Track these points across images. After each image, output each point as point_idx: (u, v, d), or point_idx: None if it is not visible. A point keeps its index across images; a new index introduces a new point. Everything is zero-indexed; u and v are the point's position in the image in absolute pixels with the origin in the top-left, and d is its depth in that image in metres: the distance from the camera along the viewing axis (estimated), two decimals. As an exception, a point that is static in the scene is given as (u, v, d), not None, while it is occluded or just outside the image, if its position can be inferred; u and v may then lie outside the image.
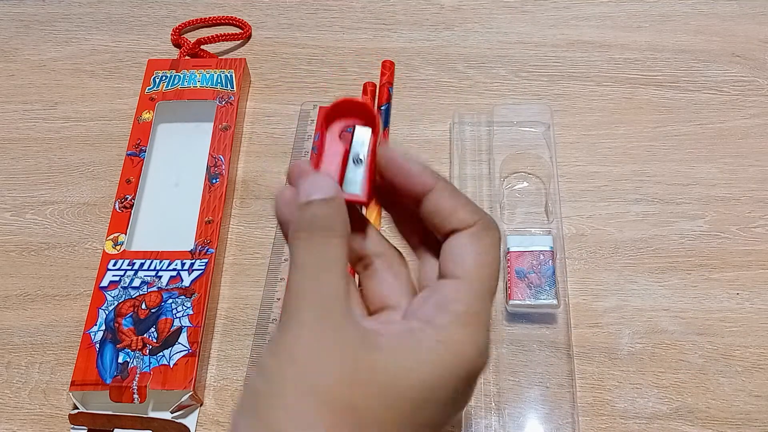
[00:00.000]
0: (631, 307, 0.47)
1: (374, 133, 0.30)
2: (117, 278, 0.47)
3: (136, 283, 0.47)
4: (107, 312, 0.45)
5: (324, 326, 0.25)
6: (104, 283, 0.47)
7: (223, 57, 0.60)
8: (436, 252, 0.30)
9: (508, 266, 0.46)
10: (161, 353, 0.44)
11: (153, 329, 0.45)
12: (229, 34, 0.60)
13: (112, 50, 0.61)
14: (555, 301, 0.45)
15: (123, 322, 0.45)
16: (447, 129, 0.55)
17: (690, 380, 0.44)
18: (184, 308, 0.45)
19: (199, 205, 0.50)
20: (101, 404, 0.43)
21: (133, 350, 0.44)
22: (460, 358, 0.26)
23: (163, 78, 0.56)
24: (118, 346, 0.44)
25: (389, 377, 0.25)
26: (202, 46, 0.59)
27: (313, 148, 0.54)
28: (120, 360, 0.43)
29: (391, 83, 0.57)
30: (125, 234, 0.49)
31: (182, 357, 0.44)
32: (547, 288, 0.45)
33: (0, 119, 0.58)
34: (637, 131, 0.55)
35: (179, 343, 0.44)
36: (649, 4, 0.62)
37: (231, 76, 0.56)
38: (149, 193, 0.52)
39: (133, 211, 0.50)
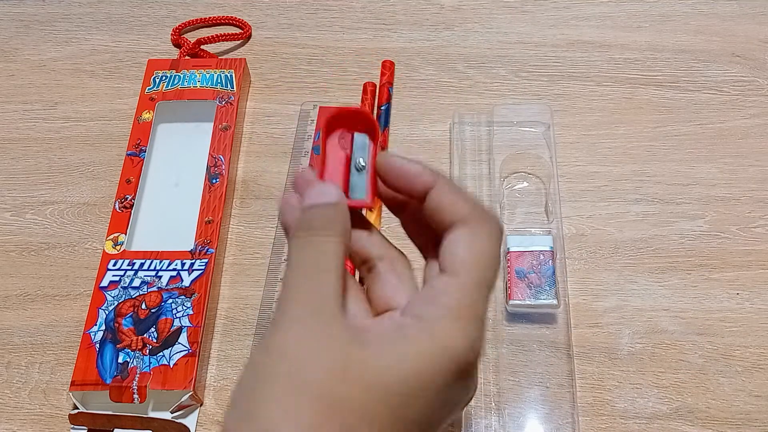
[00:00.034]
0: (631, 307, 0.47)
1: (374, 139, 0.31)
2: (117, 278, 0.47)
3: (136, 283, 0.47)
4: (107, 312, 0.45)
5: (314, 323, 0.26)
6: (104, 283, 0.47)
7: (223, 57, 0.60)
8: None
9: (508, 266, 0.46)
10: (161, 353, 0.44)
11: (153, 329, 0.45)
12: (229, 34, 0.60)
13: (112, 50, 0.61)
14: (555, 301, 0.45)
15: (123, 322, 0.45)
16: (447, 129, 0.55)
17: (690, 380, 0.44)
18: (184, 308, 0.45)
19: (199, 205, 0.50)
20: (101, 404, 0.43)
21: (133, 350, 0.44)
22: (448, 351, 0.26)
23: (163, 78, 0.56)
24: (118, 346, 0.44)
25: (377, 371, 0.25)
26: (202, 46, 0.59)
27: (313, 148, 0.54)
28: (120, 360, 0.43)
29: (391, 83, 0.57)
30: (125, 234, 0.49)
31: (182, 357, 0.44)
32: (547, 288, 0.45)
33: (0, 119, 0.58)
34: (637, 131, 0.55)
35: (179, 343, 0.44)
36: (649, 4, 0.62)
37: (231, 76, 0.56)
38: (149, 193, 0.52)
39: (133, 211, 0.50)
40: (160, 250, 0.48)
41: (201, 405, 0.44)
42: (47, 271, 0.50)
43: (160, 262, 0.47)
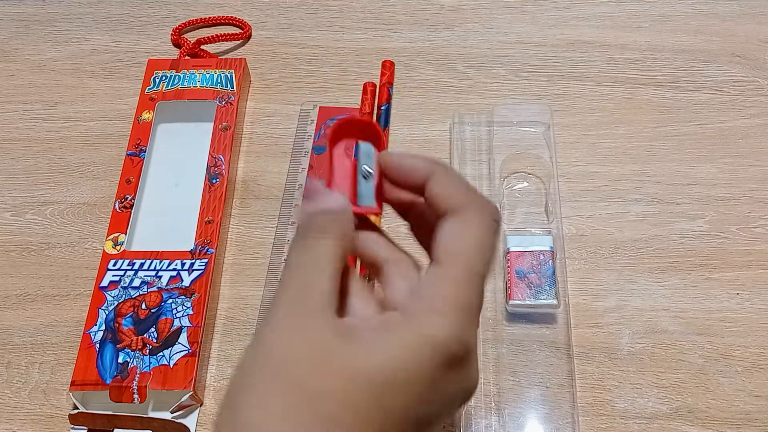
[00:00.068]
0: (631, 307, 0.47)
1: (379, 147, 0.32)
2: (117, 278, 0.47)
3: (136, 283, 0.47)
4: (107, 312, 0.45)
5: (299, 320, 0.26)
6: (104, 283, 0.47)
7: (223, 57, 0.60)
8: None
9: (508, 266, 0.46)
10: (161, 353, 0.44)
11: (153, 329, 0.45)
12: (229, 34, 0.60)
13: (112, 50, 0.61)
14: (555, 301, 0.45)
15: (123, 322, 0.45)
16: (447, 129, 0.55)
17: (690, 380, 0.44)
18: (184, 308, 0.45)
19: (199, 205, 0.50)
20: (101, 404, 0.43)
21: (133, 350, 0.44)
22: (430, 342, 0.26)
23: (163, 78, 0.56)
24: (118, 346, 0.44)
25: (360, 363, 0.25)
26: (202, 46, 0.59)
27: (313, 149, 0.54)
28: (120, 360, 0.43)
29: (391, 83, 0.57)
30: (125, 234, 0.49)
31: (182, 357, 0.44)
32: (547, 288, 0.45)
33: (0, 119, 0.58)
34: (637, 131, 0.55)
35: (179, 343, 0.44)
36: (649, 4, 0.62)
37: (231, 76, 0.56)
38: (149, 193, 0.52)
39: (133, 211, 0.50)
40: (160, 250, 0.48)
41: (201, 405, 0.44)
42: (47, 271, 0.50)
43: (160, 262, 0.47)
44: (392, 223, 0.35)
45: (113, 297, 0.46)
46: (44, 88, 0.59)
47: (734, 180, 0.52)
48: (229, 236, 0.51)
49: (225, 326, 0.47)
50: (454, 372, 0.27)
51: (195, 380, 0.43)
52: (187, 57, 0.59)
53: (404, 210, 0.33)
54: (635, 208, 0.51)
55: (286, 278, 0.28)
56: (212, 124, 0.53)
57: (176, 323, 0.45)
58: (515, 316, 0.46)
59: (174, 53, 0.61)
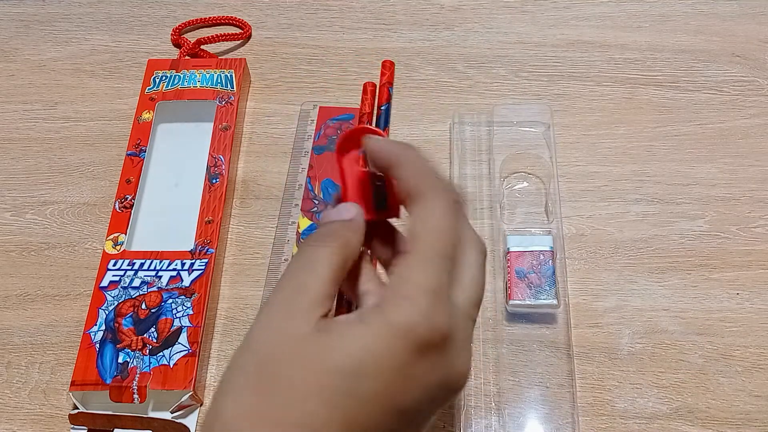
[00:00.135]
0: (631, 307, 0.47)
1: None
2: (117, 278, 0.47)
3: (136, 283, 0.47)
4: (107, 312, 0.45)
5: (285, 320, 0.27)
6: (104, 283, 0.47)
7: (223, 57, 0.60)
8: None
9: (508, 266, 0.46)
10: (161, 353, 0.44)
11: (153, 329, 0.45)
12: (229, 34, 0.60)
13: (112, 50, 0.61)
14: (555, 301, 0.45)
15: (123, 322, 0.45)
16: (447, 129, 0.55)
17: (690, 380, 0.44)
18: (184, 308, 0.45)
19: (199, 205, 0.50)
20: (101, 404, 0.43)
21: (133, 350, 0.44)
22: (395, 327, 0.26)
23: (163, 78, 0.56)
24: (118, 346, 0.44)
25: (331, 354, 0.26)
26: (202, 46, 0.59)
27: (313, 149, 0.54)
28: (120, 360, 0.43)
29: (391, 83, 0.57)
30: (125, 234, 0.49)
31: (182, 357, 0.44)
32: (547, 288, 0.45)
33: (0, 119, 0.58)
34: (637, 131, 0.55)
35: (179, 343, 0.44)
36: (649, 4, 0.62)
37: (231, 76, 0.56)
38: (149, 193, 0.52)
39: (133, 211, 0.50)
40: (160, 250, 0.48)
41: (201, 405, 0.44)
42: (47, 271, 0.50)
43: (160, 262, 0.47)
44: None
45: (113, 297, 0.46)
46: (44, 88, 0.59)
47: (734, 180, 0.52)
48: (229, 236, 0.51)
49: (225, 326, 0.48)
50: (427, 359, 0.27)
51: (195, 380, 0.43)
52: (187, 57, 0.59)
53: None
54: (635, 208, 0.51)
55: (280, 282, 0.29)
56: (212, 124, 0.53)
57: (176, 323, 0.45)
58: (515, 316, 0.46)
59: (174, 53, 0.61)
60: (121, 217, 0.49)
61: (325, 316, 0.28)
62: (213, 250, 0.48)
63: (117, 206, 0.50)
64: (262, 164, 0.54)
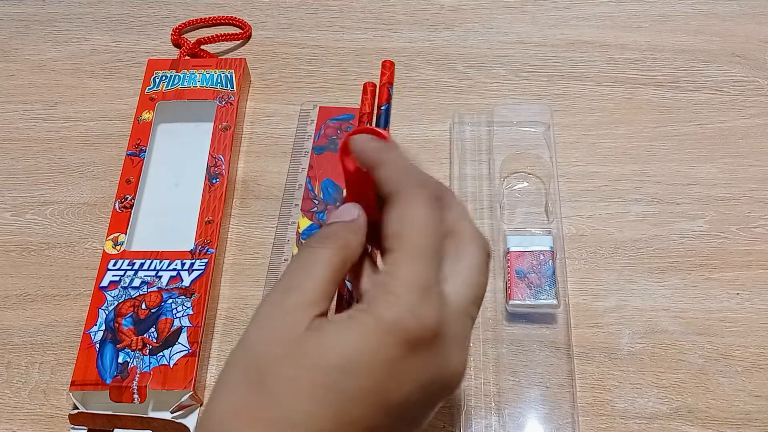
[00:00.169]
0: (631, 307, 0.47)
1: None
2: (117, 278, 0.47)
3: (136, 283, 0.47)
4: (107, 312, 0.45)
5: (279, 318, 0.27)
6: (104, 283, 0.47)
7: (223, 57, 0.60)
8: None
9: (508, 266, 0.46)
10: (161, 353, 0.44)
11: (153, 329, 0.45)
12: (229, 34, 0.60)
13: (112, 50, 0.61)
14: (555, 301, 0.45)
15: (123, 322, 0.45)
16: (447, 129, 0.55)
17: (690, 380, 0.44)
18: (184, 308, 0.45)
19: (199, 205, 0.50)
20: (101, 404, 0.43)
21: (133, 350, 0.44)
22: (382, 322, 0.26)
23: (163, 78, 0.56)
24: (118, 346, 0.44)
25: (319, 351, 0.26)
26: (202, 46, 0.59)
27: (313, 149, 0.54)
28: (120, 360, 0.43)
29: (391, 83, 0.57)
30: (125, 234, 0.49)
31: (182, 357, 0.44)
32: (547, 288, 0.45)
33: (0, 119, 0.58)
34: (637, 131, 0.55)
35: (179, 343, 0.44)
36: (649, 4, 0.62)
37: (231, 76, 0.56)
38: (149, 193, 0.52)
39: (133, 211, 0.50)
40: (160, 250, 0.48)
41: (201, 405, 0.44)
42: (47, 271, 0.50)
43: (160, 262, 0.47)
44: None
45: (113, 297, 0.46)
46: (44, 88, 0.59)
47: (734, 180, 0.52)
48: (229, 236, 0.51)
49: (225, 326, 0.48)
50: (417, 355, 0.27)
51: (195, 380, 0.43)
52: (187, 57, 0.59)
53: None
54: (635, 208, 0.51)
55: (278, 282, 0.29)
56: (212, 124, 0.53)
57: (176, 323, 0.45)
58: (515, 316, 0.46)
59: (174, 53, 0.61)
60: (121, 217, 0.49)
61: (323, 315, 0.28)
62: (213, 250, 0.48)
63: (117, 206, 0.50)
64: (262, 164, 0.54)
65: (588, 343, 0.45)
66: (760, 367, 0.44)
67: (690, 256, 0.49)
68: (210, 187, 0.50)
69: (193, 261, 0.47)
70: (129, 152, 0.52)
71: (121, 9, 0.64)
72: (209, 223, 0.49)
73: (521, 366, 0.44)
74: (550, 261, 0.46)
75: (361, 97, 0.57)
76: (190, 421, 0.43)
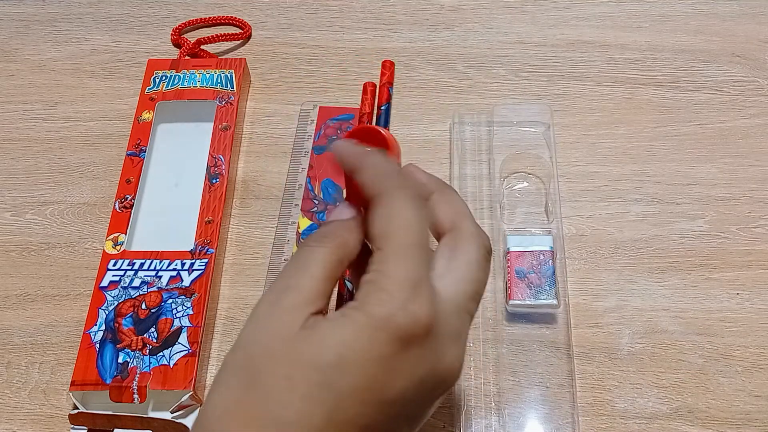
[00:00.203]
0: (631, 307, 0.47)
1: (388, 154, 0.33)
2: (117, 278, 0.47)
3: (136, 283, 0.47)
4: (107, 312, 0.45)
5: (274, 317, 0.27)
6: (104, 283, 0.47)
7: (223, 57, 0.60)
8: None
9: (508, 266, 0.46)
10: (161, 353, 0.44)
11: (153, 329, 0.45)
12: (229, 34, 0.60)
13: (112, 50, 0.61)
14: (555, 301, 0.45)
15: (123, 322, 0.45)
16: (447, 129, 0.55)
17: (690, 380, 0.44)
18: (184, 308, 0.45)
19: (199, 205, 0.50)
20: (101, 404, 0.43)
21: (133, 350, 0.44)
22: (374, 318, 0.26)
23: (163, 78, 0.56)
24: (118, 346, 0.44)
25: (311, 350, 0.26)
26: (202, 46, 0.59)
27: (313, 149, 0.54)
28: (120, 360, 0.43)
29: (391, 83, 0.57)
30: (125, 234, 0.49)
31: (182, 357, 0.44)
32: (547, 288, 0.45)
33: (0, 119, 0.58)
34: (637, 131, 0.55)
35: (179, 343, 0.44)
36: (649, 4, 0.62)
37: (231, 76, 0.56)
38: (149, 193, 0.52)
39: (133, 211, 0.50)
40: (160, 250, 0.48)
41: (201, 405, 0.44)
42: (47, 271, 0.50)
43: (160, 262, 0.47)
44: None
45: (113, 297, 0.46)
46: (44, 88, 0.59)
47: (734, 180, 0.52)
48: (229, 236, 0.51)
49: (225, 326, 0.48)
50: (410, 350, 0.27)
51: (195, 380, 0.43)
52: (187, 57, 0.59)
53: None
54: (635, 208, 0.51)
55: (275, 281, 0.29)
56: (212, 124, 0.53)
57: (176, 323, 0.45)
58: (515, 316, 0.46)
59: (174, 53, 0.61)
60: (121, 217, 0.49)
61: (320, 313, 0.28)
62: (213, 250, 0.48)
63: (117, 206, 0.50)
64: (262, 164, 0.54)
65: (588, 343, 0.45)
66: (760, 367, 0.44)
67: (690, 256, 0.49)
68: (210, 187, 0.50)
69: (193, 261, 0.47)
70: (129, 152, 0.52)
71: (121, 9, 0.64)
72: (209, 223, 0.49)
73: (521, 366, 0.44)
74: (550, 261, 0.46)
75: (361, 97, 0.57)
76: (190, 421, 0.43)
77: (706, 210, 0.51)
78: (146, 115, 0.54)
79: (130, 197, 0.50)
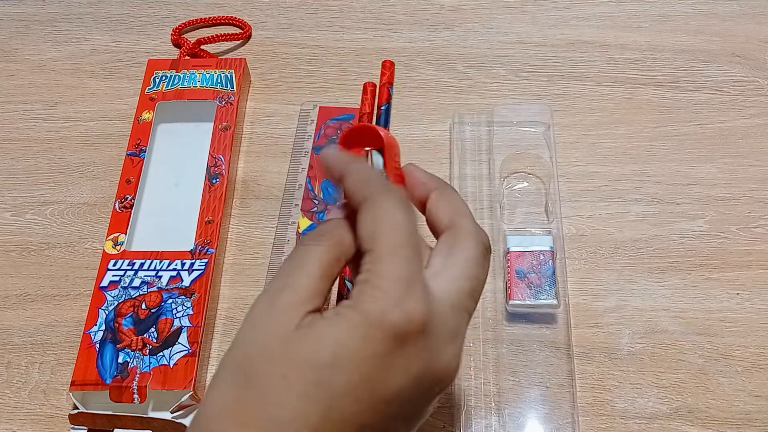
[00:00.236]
0: (631, 307, 0.47)
1: (385, 152, 0.33)
2: (117, 278, 0.47)
3: (136, 283, 0.47)
4: (107, 312, 0.45)
5: (270, 316, 0.27)
6: (104, 283, 0.47)
7: (223, 57, 0.60)
8: None
9: (508, 266, 0.46)
10: (161, 353, 0.44)
11: (153, 329, 0.45)
12: (229, 34, 0.60)
13: (112, 50, 0.61)
14: (555, 301, 0.45)
15: (123, 322, 0.45)
16: (447, 129, 0.55)
17: (690, 380, 0.44)
18: (184, 308, 0.45)
19: (199, 205, 0.50)
20: (101, 404, 0.43)
21: (133, 350, 0.44)
22: (368, 316, 0.26)
23: (163, 78, 0.56)
24: (118, 346, 0.44)
25: (306, 348, 0.26)
26: (202, 46, 0.59)
27: (313, 149, 0.54)
28: (120, 360, 0.43)
29: (391, 83, 0.57)
30: (125, 234, 0.49)
31: (182, 357, 0.44)
32: (547, 288, 0.45)
33: (0, 119, 0.58)
34: (637, 131, 0.55)
35: (179, 343, 0.44)
36: (649, 4, 0.62)
37: (231, 76, 0.56)
38: (149, 193, 0.52)
39: (133, 211, 0.50)
40: (160, 250, 0.48)
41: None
42: (47, 271, 0.50)
43: (160, 262, 0.47)
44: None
45: (113, 297, 0.46)
46: (44, 88, 0.59)
47: (734, 180, 0.52)
48: (229, 236, 0.51)
49: (225, 326, 0.48)
50: (404, 348, 0.27)
51: (195, 380, 0.43)
52: (187, 57, 0.59)
53: (422, 207, 0.33)
54: (635, 208, 0.51)
55: (272, 280, 0.29)
56: (212, 124, 0.53)
57: (176, 323, 0.45)
58: (515, 316, 0.46)
59: (174, 53, 0.61)
60: (121, 217, 0.49)
61: (317, 312, 0.28)
62: (213, 250, 0.48)
63: (117, 206, 0.50)
64: (262, 164, 0.54)
65: (588, 343, 0.45)
66: (760, 367, 0.44)
67: (690, 256, 0.49)
68: (210, 187, 0.50)
69: (193, 261, 0.47)
70: (129, 152, 0.52)
71: (121, 9, 0.64)
72: (209, 223, 0.49)
73: (521, 366, 0.44)
74: (550, 261, 0.46)
75: (361, 97, 0.57)
76: (190, 421, 0.43)
77: (706, 210, 0.51)
78: (146, 115, 0.54)
79: (130, 197, 0.50)
